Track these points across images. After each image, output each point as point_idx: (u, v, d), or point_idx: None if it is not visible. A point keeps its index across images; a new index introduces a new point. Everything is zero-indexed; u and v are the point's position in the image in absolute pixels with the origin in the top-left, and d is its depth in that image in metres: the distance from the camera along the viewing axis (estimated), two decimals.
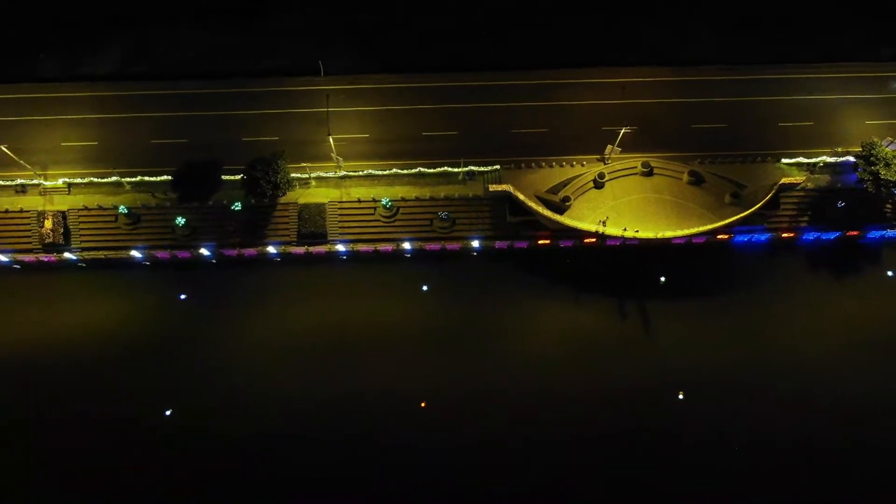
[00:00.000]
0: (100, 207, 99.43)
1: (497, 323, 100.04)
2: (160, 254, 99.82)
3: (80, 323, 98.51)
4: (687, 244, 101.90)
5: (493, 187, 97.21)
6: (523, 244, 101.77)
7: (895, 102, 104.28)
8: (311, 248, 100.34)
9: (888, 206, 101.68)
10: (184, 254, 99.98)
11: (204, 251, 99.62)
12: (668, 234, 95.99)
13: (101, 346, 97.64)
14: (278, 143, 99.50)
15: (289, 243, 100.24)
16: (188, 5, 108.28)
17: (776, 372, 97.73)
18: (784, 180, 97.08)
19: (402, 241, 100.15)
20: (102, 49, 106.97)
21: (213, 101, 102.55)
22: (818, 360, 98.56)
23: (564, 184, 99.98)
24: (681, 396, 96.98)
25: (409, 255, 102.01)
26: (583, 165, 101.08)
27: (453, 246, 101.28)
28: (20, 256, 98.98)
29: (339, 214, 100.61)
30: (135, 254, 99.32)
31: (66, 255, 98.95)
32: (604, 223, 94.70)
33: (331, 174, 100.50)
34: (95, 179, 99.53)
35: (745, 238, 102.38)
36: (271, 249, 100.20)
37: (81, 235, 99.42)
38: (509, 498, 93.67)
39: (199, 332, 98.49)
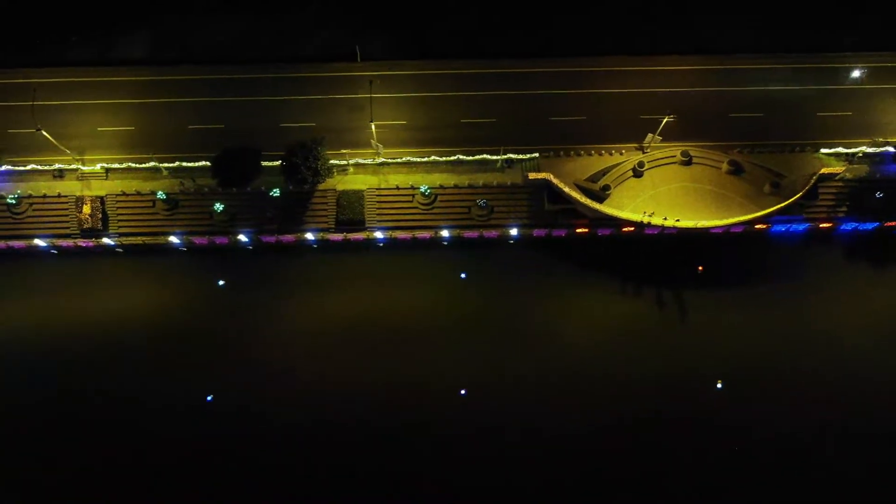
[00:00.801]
0: (138, 193, 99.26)
1: (535, 311, 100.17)
2: (198, 239, 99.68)
3: (119, 308, 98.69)
4: (724, 233, 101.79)
5: (532, 175, 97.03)
6: (561, 232, 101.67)
7: None
8: (349, 235, 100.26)
9: None
10: (221, 240, 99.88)
11: (242, 237, 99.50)
12: (710, 223, 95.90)
13: (141, 332, 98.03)
14: (315, 130, 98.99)
15: (327, 230, 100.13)
16: None
17: (814, 362, 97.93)
18: (823, 170, 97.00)
19: (441, 228, 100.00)
20: (135, 33, 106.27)
21: (249, 86, 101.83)
22: (856, 350, 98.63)
23: (603, 172, 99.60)
24: (719, 385, 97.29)
25: (445, 243, 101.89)
26: (621, 154, 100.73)
27: (491, 234, 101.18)
28: (58, 241, 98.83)
29: (378, 201, 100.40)
30: (173, 239, 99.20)
31: (105, 240, 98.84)
32: (650, 214, 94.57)
33: (369, 161, 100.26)
34: (133, 164, 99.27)
35: (783, 228, 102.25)
36: (309, 236, 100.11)
37: (119, 221, 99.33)
38: (549, 483, 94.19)
39: (238, 318, 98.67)
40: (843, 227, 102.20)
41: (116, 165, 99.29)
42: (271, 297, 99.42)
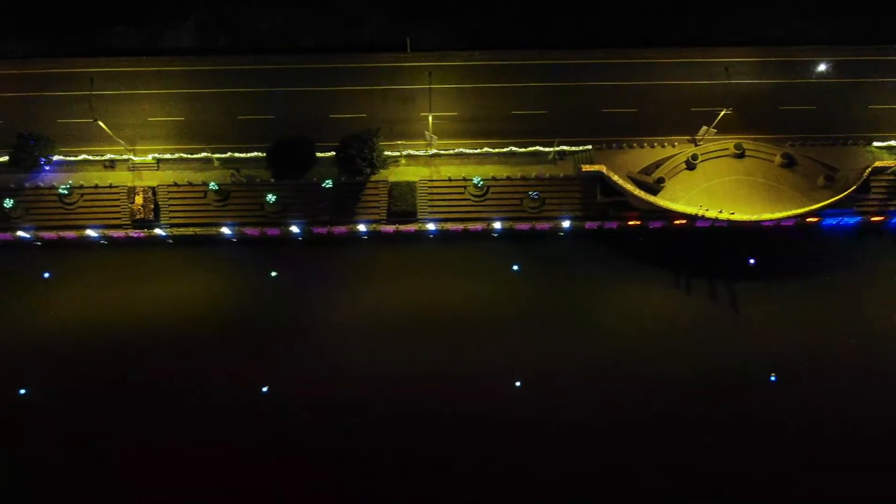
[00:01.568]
0: (189, 183, 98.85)
1: (587, 303, 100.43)
2: (249, 231, 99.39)
3: (172, 299, 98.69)
4: (776, 226, 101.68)
5: (586, 168, 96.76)
6: (613, 225, 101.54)
7: None
8: (401, 227, 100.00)
9: None
10: (273, 231, 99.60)
11: (293, 228, 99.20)
12: (765, 216, 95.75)
13: (193, 324, 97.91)
14: (365, 121, 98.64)
15: (378, 221, 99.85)
16: None
17: (867, 355, 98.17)
18: (877, 164, 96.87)
19: (493, 220, 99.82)
20: (181, 22, 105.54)
21: (298, 76, 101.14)
22: None
23: (656, 165, 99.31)
24: (773, 378, 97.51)
25: (496, 235, 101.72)
26: (673, 146, 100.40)
27: (543, 226, 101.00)
28: (109, 232, 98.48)
29: (430, 193, 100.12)
30: (224, 230, 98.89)
31: (156, 231, 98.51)
32: (706, 209, 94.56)
33: (421, 152, 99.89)
34: (185, 155, 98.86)
35: (834, 221, 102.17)
36: (361, 227, 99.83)
37: (171, 211, 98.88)
38: (604, 475, 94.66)
39: (291, 309, 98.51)
40: (894, 220, 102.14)
41: (168, 156, 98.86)
42: (324, 289, 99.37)
